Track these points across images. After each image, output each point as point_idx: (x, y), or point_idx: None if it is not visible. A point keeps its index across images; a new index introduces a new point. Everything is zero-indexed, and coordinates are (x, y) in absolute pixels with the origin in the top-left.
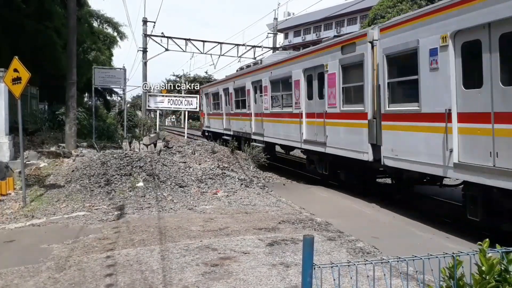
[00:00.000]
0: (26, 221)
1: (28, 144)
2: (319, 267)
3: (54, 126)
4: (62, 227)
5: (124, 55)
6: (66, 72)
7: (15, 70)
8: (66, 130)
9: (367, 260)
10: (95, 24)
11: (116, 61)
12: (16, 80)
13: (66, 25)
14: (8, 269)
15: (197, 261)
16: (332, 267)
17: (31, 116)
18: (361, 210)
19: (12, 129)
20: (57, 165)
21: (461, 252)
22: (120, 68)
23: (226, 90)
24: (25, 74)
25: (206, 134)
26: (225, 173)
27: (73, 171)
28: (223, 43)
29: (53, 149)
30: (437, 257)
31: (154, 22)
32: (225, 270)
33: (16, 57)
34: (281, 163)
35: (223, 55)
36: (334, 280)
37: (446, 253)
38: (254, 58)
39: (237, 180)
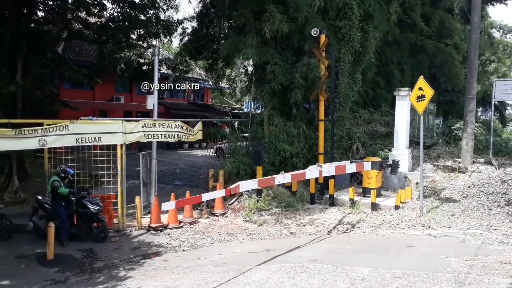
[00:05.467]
0: (423, 230)
1: (425, 157)
2: None
3: (450, 141)
4: (458, 242)
5: None
6: (465, 87)
7: (420, 89)
8: (462, 145)
9: None
10: (496, 35)
11: None
12: (420, 97)
13: (465, 40)
14: (410, 271)
15: None
16: None
17: (428, 131)
18: None
19: (410, 143)
20: (452, 179)
21: None
22: None
23: None
24: (428, 92)
25: None
26: None
27: (469, 187)
28: None
29: (448, 163)
30: None
31: None
32: None
33: (421, 76)
34: None
35: None
36: None
37: None
38: None
39: None
